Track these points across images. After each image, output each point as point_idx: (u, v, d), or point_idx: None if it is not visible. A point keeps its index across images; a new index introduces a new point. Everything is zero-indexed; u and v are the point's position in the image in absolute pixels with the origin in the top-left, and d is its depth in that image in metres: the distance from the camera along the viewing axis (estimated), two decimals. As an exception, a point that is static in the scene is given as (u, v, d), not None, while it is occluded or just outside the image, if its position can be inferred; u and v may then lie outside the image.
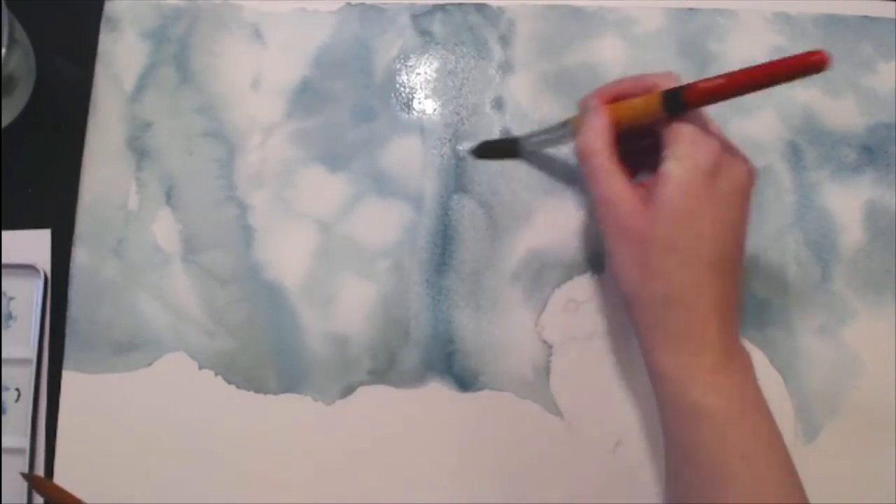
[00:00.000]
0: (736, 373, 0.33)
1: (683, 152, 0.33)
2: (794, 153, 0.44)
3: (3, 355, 0.41)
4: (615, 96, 0.37)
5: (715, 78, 0.33)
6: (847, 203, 0.44)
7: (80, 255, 0.42)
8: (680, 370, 0.33)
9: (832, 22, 0.46)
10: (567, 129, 0.39)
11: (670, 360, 0.33)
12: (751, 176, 0.35)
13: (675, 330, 0.33)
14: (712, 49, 0.45)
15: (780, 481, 0.33)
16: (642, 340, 0.34)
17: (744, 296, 0.42)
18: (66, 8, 0.45)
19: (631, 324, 0.35)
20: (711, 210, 0.33)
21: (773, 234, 0.43)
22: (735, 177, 0.34)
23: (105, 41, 0.45)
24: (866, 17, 0.46)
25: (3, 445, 0.40)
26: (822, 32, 0.46)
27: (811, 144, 0.45)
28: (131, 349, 0.41)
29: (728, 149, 0.34)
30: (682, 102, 0.33)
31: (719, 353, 0.32)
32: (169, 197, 0.43)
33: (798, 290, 0.43)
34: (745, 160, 0.35)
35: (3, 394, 0.41)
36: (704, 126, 0.34)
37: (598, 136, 0.35)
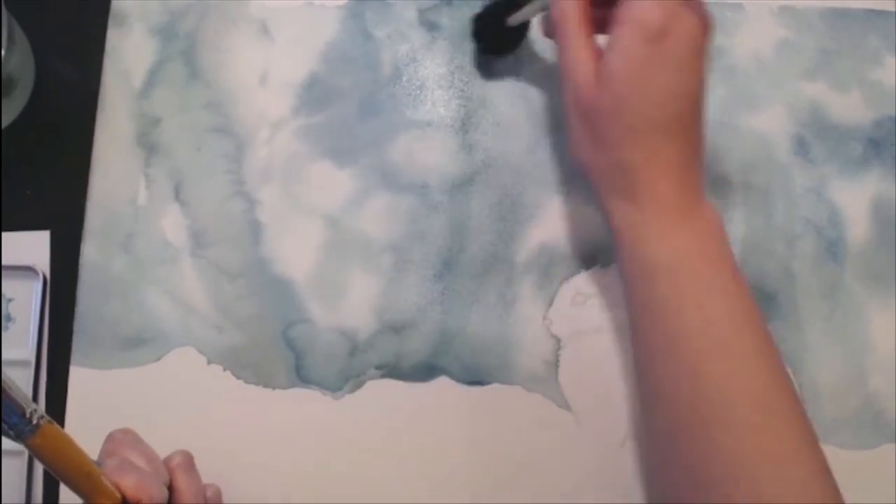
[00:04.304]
0: (693, 231, 0.34)
1: (630, 14, 0.32)
2: (802, 147, 0.44)
3: (3, 356, 0.40)
4: None
5: None
6: (854, 197, 0.44)
7: (90, 251, 0.42)
8: (635, 229, 0.33)
9: (838, 15, 0.46)
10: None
11: (625, 220, 0.34)
12: (705, 29, 0.33)
13: (628, 193, 0.34)
14: (719, 43, 0.45)
15: (733, 324, 0.33)
16: (600, 203, 0.35)
17: (751, 288, 0.42)
18: (66, 8, 0.45)
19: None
20: (660, 74, 0.32)
21: (781, 227, 0.43)
22: (687, 35, 0.33)
23: (113, 37, 0.45)
24: (872, 10, 0.46)
25: (3, 445, 0.40)
26: (828, 26, 0.46)
27: (818, 138, 0.45)
28: (140, 344, 0.41)
29: (680, 2, 0.33)
30: None
31: (673, 212, 0.33)
32: (178, 192, 0.43)
33: (806, 283, 0.43)
34: (698, 13, 0.33)
35: (3, 394, 0.41)
36: None
37: (571, 2, 0.34)
